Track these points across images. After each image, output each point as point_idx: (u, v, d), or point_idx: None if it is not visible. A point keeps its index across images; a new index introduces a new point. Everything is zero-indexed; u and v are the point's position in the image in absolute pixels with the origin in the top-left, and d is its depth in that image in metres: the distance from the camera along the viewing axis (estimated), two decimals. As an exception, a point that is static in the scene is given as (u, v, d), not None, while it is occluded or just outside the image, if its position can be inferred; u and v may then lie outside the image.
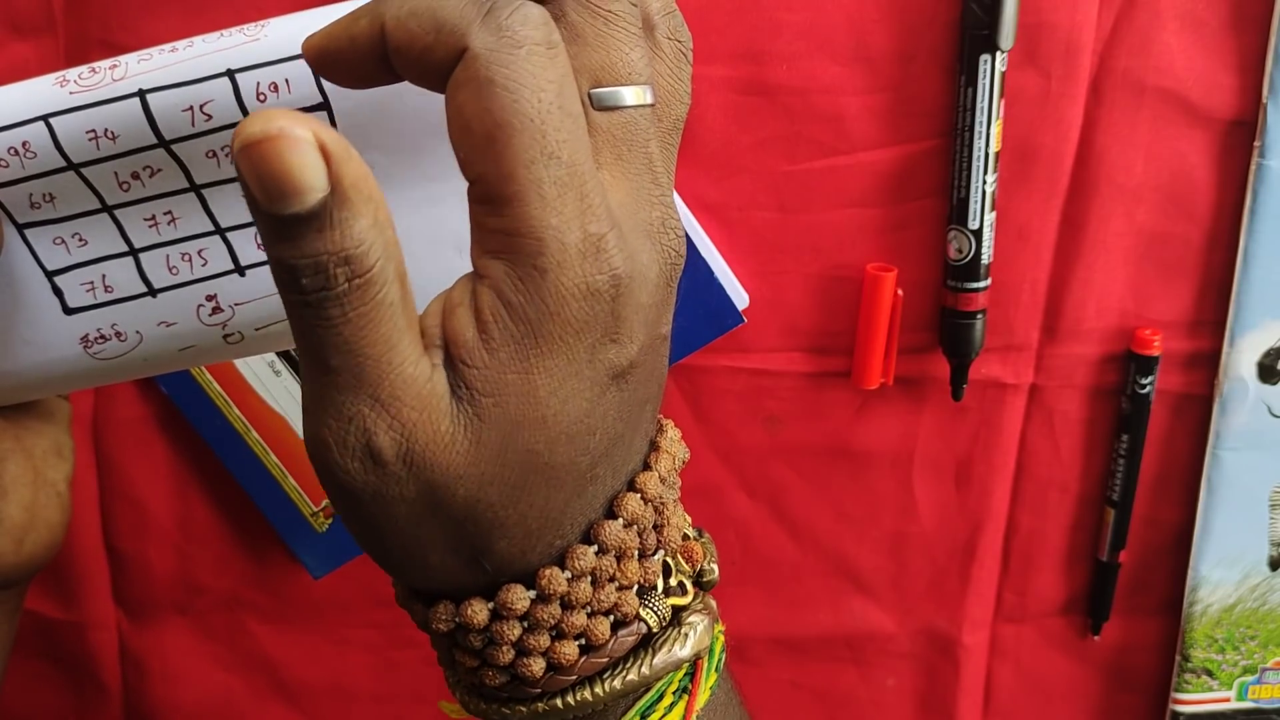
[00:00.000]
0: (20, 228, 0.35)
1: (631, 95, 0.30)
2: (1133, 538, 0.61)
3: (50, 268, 0.36)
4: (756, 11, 0.52)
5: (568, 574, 0.31)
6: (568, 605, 0.32)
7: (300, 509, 0.58)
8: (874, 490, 0.60)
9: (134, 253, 0.36)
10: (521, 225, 0.28)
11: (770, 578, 0.61)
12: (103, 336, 0.37)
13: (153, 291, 0.36)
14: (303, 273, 0.27)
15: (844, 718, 0.64)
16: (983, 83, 0.52)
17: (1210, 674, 0.62)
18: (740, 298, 0.56)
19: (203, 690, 0.62)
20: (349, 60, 0.29)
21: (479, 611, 0.31)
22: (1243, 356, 0.57)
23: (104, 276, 0.36)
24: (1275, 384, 0.57)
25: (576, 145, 0.28)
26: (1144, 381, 0.57)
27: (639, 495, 0.33)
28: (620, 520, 0.32)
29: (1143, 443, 0.59)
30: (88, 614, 0.60)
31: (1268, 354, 0.57)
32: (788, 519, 0.60)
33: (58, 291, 0.36)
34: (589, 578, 0.32)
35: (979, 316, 0.55)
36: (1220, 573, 0.61)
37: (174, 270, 0.36)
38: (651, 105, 0.31)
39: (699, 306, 0.55)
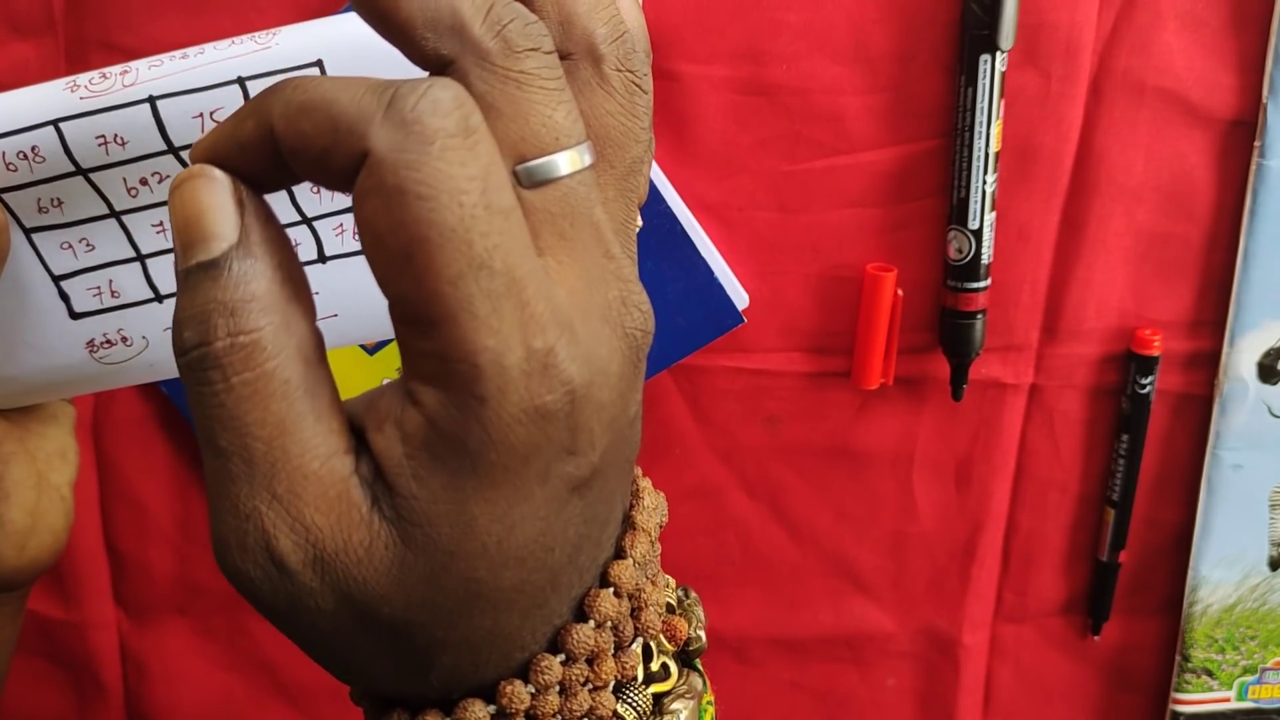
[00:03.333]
0: (28, 232, 0.35)
1: (566, 162, 0.26)
2: (1133, 538, 0.61)
3: (57, 272, 0.36)
4: (756, 11, 0.52)
5: (531, 688, 0.28)
6: (534, 718, 0.29)
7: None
8: (874, 490, 0.60)
9: (141, 258, 0.36)
10: (453, 350, 0.24)
11: (770, 578, 0.61)
12: (109, 341, 0.37)
13: (159, 297, 0.36)
14: (188, 324, 0.25)
15: (844, 718, 0.64)
16: (983, 83, 0.52)
17: (1210, 674, 0.63)
18: (740, 298, 0.56)
19: (203, 690, 0.62)
20: (242, 170, 0.26)
21: None
22: (1243, 356, 0.57)
23: (111, 282, 0.36)
24: (1275, 384, 0.57)
25: (511, 246, 0.24)
26: (1144, 381, 0.57)
27: (612, 590, 0.29)
28: (591, 623, 0.29)
29: (1143, 443, 0.59)
30: (88, 614, 0.60)
31: (1268, 354, 0.57)
32: (788, 519, 0.60)
33: (64, 296, 0.36)
34: (557, 688, 0.29)
35: (979, 316, 0.55)
36: (1220, 573, 0.61)
37: None
38: (591, 166, 0.27)
39: (699, 306, 0.55)
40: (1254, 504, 0.60)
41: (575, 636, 0.28)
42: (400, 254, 0.24)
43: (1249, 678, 0.63)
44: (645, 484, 0.31)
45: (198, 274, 0.25)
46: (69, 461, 0.44)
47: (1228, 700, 0.63)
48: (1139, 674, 0.64)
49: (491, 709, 0.28)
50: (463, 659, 0.28)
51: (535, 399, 0.25)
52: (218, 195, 0.25)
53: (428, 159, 0.23)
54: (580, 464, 0.26)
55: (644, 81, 0.29)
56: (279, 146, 0.25)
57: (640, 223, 0.36)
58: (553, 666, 0.28)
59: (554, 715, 0.29)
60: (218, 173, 0.25)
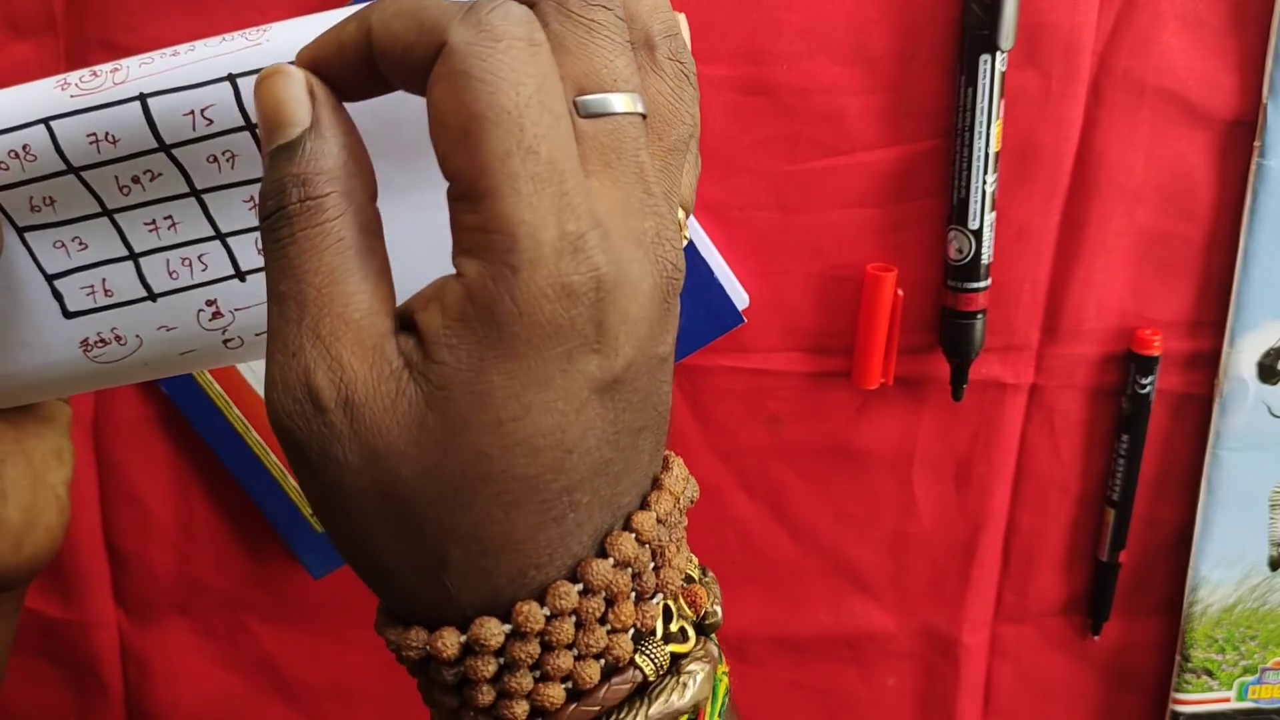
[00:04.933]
0: (20, 231, 0.35)
1: (619, 102, 0.29)
2: (1133, 538, 0.61)
3: (50, 271, 0.36)
4: (756, 11, 0.52)
5: (547, 611, 0.29)
6: (549, 646, 0.30)
7: (300, 508, 0.58)
8: (874, 490, 0.60)
9: (134, 257, 0.36)
10: (494, 220, 0.27)
11: (770, 578, 0.61)
12: (102, 340, 0.37)
13: (153, 296, 0.36)
14: (269, 195, 0.29)
15: (844, 718, 0.64)
16: (983, 83, 0.52)
17: (1210, 674, 0.62)
18: (740, 298, 0.56)
19: (203, 689, 0.62)
20: (339, 68, 0.29)
21: (450, 644, 0.30)
22: (1243, 356, 0.57)
23: (104, 280, 0.36)
24: (1275, 384, 0.57)
25: (557, 142, 0.27)
26: (1144, 381, 0.57)
27: (634, 535, 0.31)
28: (611, 560, 0.30)
29: (1143, 443, 0.59)
30: (89, 613, 0.60)
31: (1268, 354, 0.57)
32: (788, 519, 0.60)
33: (58, 295, 0.36)
34: (572, 617, 0.30)
35: (979, 316, 0.55)
36: (1220, 573, 0.61)
37: (174, 275, 0.36)
38: (642, 115, 0.30)
39: (699, 306, 0.55)
40: (1254, 504, 0.60)
41: (594, 569, 0.30)
42: (460, 130, 0.27)
43: (1249, 678, 0.63)
44: (677, 460, 0.33)
45: (278, 155, 0.29)
46: (65, 461, 0.44)
47: (1228, 700, 0.63)
48: (1139, 674, 0.64)
49: (507, 628, 0.29)
50: (474, 557, 0.29)
51: (563, 276, 0.27)
52: (292, 88, 0.29)
53: (494, 52, 0.27)
54: (603, 365, 0.28)
55: (691, 75, 0.32)
56: (372, 47, 0.28)
57: (687, 235, 0.37)
58: (570, 593, 0.30)
59: (569, 646, 0.30)
60: (292, 68, 0.29)
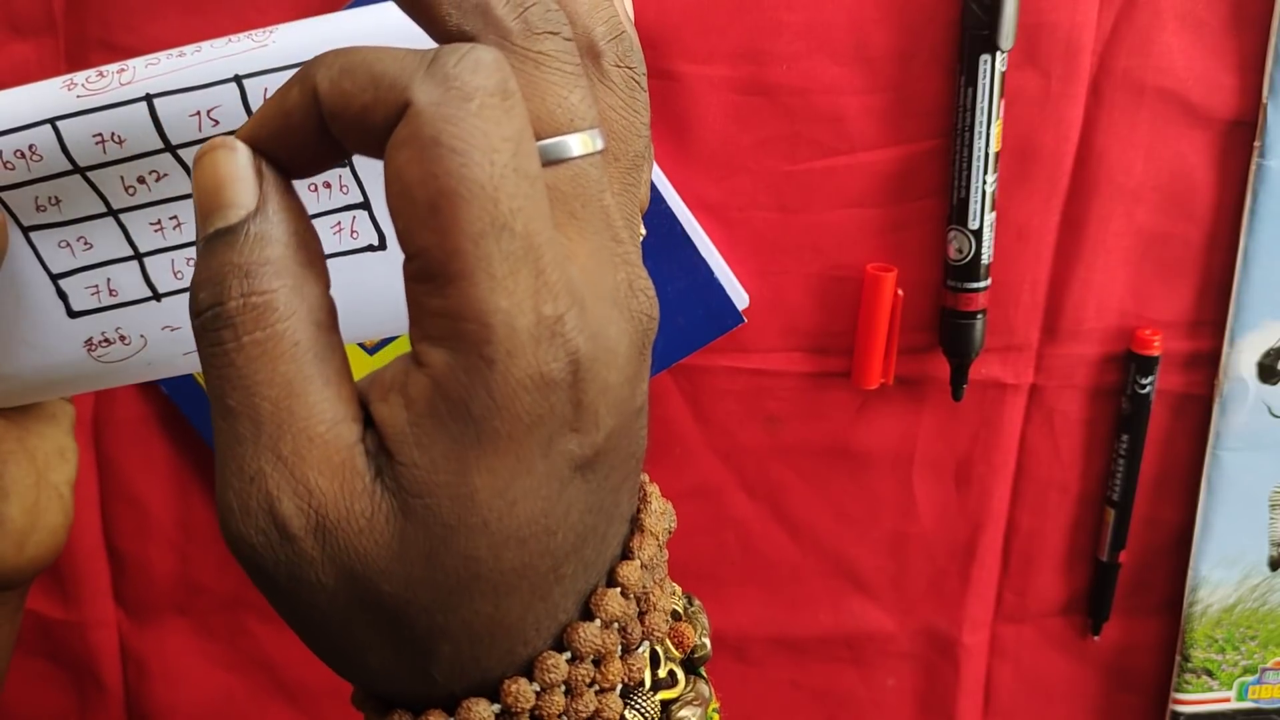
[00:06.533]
0: (26, 230, 0.35)
1: (578, 144, 0.26)
2: (1133, 538, 0.61)
3: (55, 271, 0.36)
4: (756, 11, 0.52)
5: (536, 686, 0.28)
6: (539, 719, 0.28)
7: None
8: (874, 490, 0.60)
9: (139, 257, 0.36)
10: (467, 308, 0.24)
11: (770, 578, 0.61)
12: (107, 340, 0.37)
13: (157, 296, 0.36)
14: (202, 286, 0.25)
15: (844, 718, 0.64)
16: (983, 83, 0.52)
17: (1210, 674, 0.62)
18: (740, 298, 0.56)
19: (203, 690, 0.62)
20: (289, 141, 0.26)
21: None
22: (1243, 356, 0.57)
23: (109, 280, 0.36)
24: (1275, 384, 0.57)
25: (533, 213, 0.24)
26: (1144, 381, 0.57)
27: (619, 590, 0.29)
28: (598, 622, 0.29)
29: (1143, 443, 0.59)
30: (88, 614, 0.60)
31: (1268, 354, 0.57)
32: (788, 519, 0.60)
33: (62, 295, 0.36)
34: (562, 687, 0.28)
35: (979, 316, 0.55)
36: (1220, 573, 0.61)
37: (178, 275, 0.36)
38: (602, 151, 0.27)
39: (699, 306, 0.55)
40: (1254, 504, 0.60)
41: (581, 635, 0.28)
42: (427, 206, 0.24)
43: (1249, 678, 0.63)
44: (653, 489, 0.32)
45: (216, 240, 0.25)
46: (68, 460, 0.44)
47: (1228, 700, 0.63)
48: (1139, 674, 0.64)
49: (496, 708, 0.28)
50: (464, 649, 0.27)
51: (541, 365, 0.25)
52: (237, 165, 0.26)
53: (466, 114, 0.24)
54: (584, 443, 0.26)
55: (642, 79, 0.30)
56: (322, 110, 0.25)
57: (643, 231, 0.36)
58: (559, 664, 0.28)
59: (559, 716, 0.28)
60: (237, 143, 0.26)
